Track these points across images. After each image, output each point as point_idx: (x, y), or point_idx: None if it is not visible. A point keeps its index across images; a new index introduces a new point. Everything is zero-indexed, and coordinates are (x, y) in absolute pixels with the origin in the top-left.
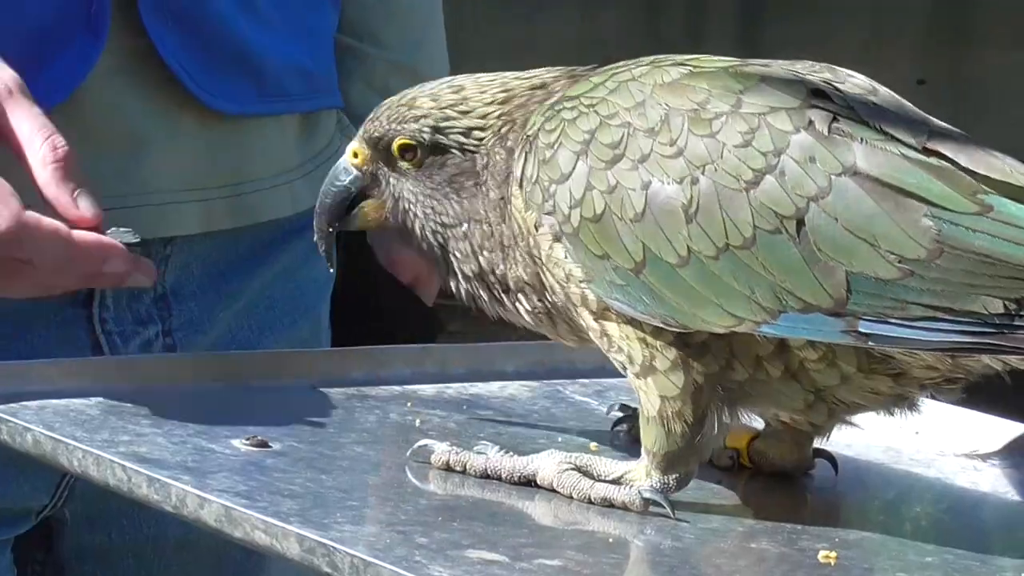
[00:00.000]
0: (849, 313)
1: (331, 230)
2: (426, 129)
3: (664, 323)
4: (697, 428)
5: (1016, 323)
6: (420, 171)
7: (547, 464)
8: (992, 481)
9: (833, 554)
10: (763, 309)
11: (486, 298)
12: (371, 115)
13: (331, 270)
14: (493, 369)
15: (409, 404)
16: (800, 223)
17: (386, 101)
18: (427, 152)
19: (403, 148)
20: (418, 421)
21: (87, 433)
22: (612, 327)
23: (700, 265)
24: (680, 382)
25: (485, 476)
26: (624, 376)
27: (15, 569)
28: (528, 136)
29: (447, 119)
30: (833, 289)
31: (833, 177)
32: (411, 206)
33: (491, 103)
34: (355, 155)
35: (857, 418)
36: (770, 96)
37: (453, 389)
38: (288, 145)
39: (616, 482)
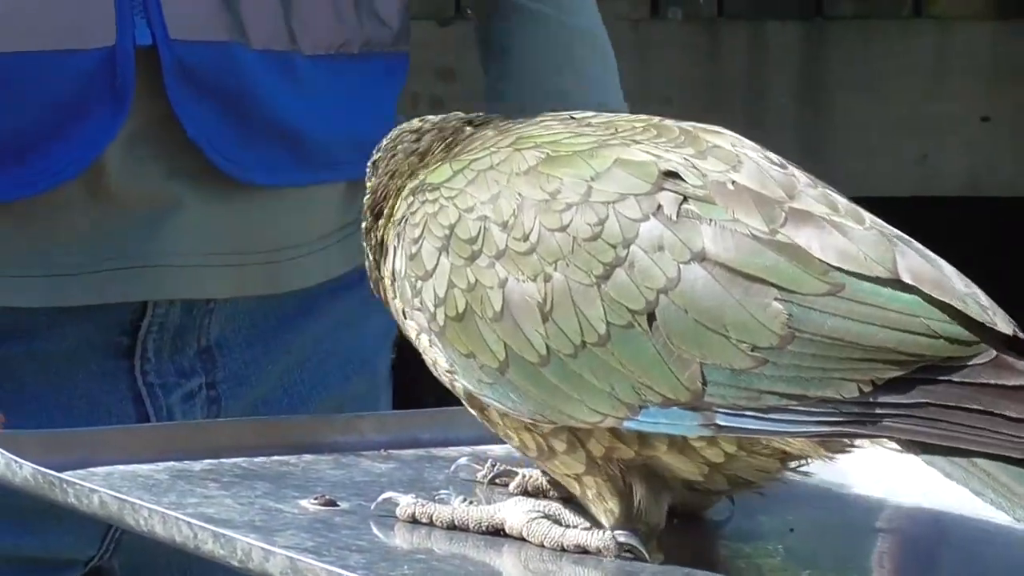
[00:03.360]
0: (706, 406)
1: None
2: None
3: (532, 419)
4: (626, 497)
5: (872, 409)
6: None
7: (515, 513)
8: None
9: None
10: (624, 405)
11: None
12: None
13: None
14: None
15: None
16: (652, 316)
17: None
18: None
19: None
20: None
21: (155, 496)
22: (493, 416)
23: (560, 363)
24: (583, 460)
25: (452, 527)
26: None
27: None
28: (393, 220)
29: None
30: (689, 382)
31: (682, 266)
32: None
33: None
34: None
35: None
36: (621, 182)
37: None
38: (330, 212)
39: (587, 529)
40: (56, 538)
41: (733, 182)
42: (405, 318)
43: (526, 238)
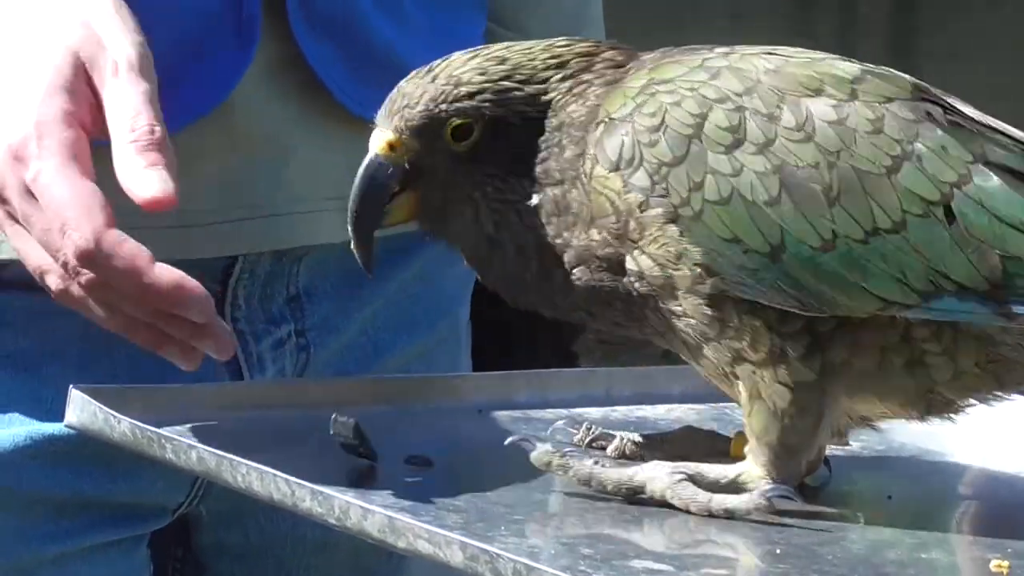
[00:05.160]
0: (1002, 297)
1: (374, 235)
2: (486, 104)
3: (800, 309)
4: (820, 419)
5: None
6: (478, 151)
7: (657, 475)
8: None
9: (1006, 563)
10: (915, 292)
11: (529, 276)
12: (397, 101)
13: (369, 276)
14: (659, 392)
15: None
16: (947, 208)
17: (408, 84)
18: (487, 129)
19: (458, 130)
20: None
21: (252, 453)
22: (730, 313)
23: (847, 248)
24: (816, 368)
25: (587, 484)
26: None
27: (151, 564)
28: (615, 119)
29: (507, 90)
30: (989, 272)
31: (969, 165)
32: (468, 191)
33: (547, 68)
34: (391, 147)
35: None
36: (881, 87)
37: (620, 412)
38: None
39: (734, 488)
40: (147, 484)
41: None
42: (641, 211)
43: (800, 128)
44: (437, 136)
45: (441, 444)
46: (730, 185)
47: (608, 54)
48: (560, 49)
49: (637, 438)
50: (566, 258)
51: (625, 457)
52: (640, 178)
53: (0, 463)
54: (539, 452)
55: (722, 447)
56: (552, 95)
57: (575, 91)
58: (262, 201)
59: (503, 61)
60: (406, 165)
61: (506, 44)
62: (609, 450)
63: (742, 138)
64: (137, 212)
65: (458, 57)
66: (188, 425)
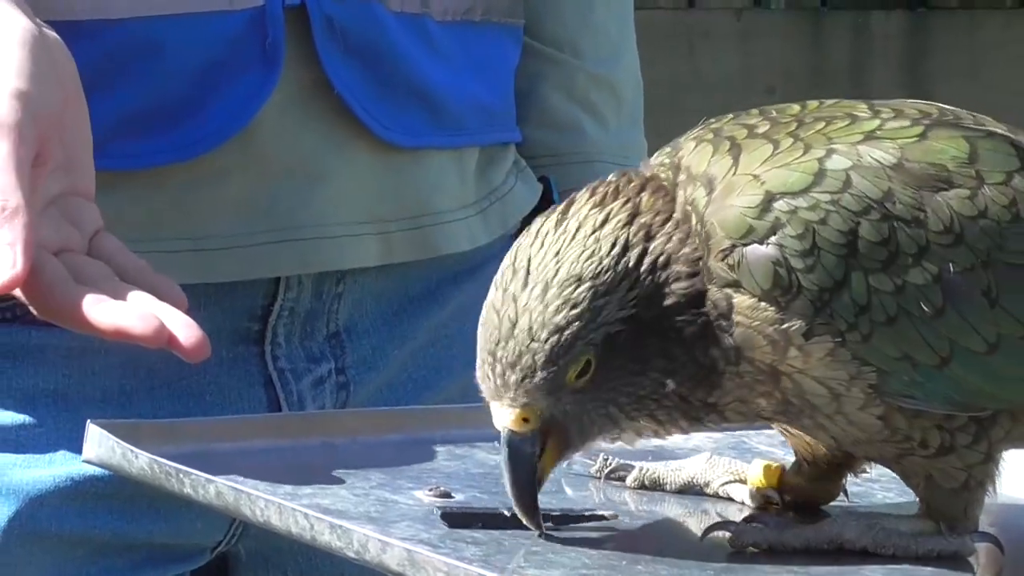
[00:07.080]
0: None
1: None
2: (592, 335)
3: (962, 411)
4: (994, 486)
5: None
6: (597, 375)
7: (851, 525)
8: None
9: None
10: None
11: (685, 424)
12: (508, 375)
13: (539, 534)
14: None
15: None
16: None
17: (503, 350)
18: (600, 352)
19: (580, 371)
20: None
21: (270, 486)
22: (900, 421)
23: (1009, 347)
24: (984, 448)
25: (806, 551)
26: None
27: None
28: (746, 242)
29: (601, 309)
30: None
31: None
32: (602, 412)
33: (608, 257)
34: (526, 420)
35: None
36: (995, 161)
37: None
38: (468, 179)
39: (921, 535)
40: (187, 524)
41: None
42: (805, 340)
43: (948, 230)
44: (562, 387)
45: (460, 475)
46: (895, 303)
47: (652, 210)
48: (618, 232)
49: (656, 467)
50: (722, 402)
51: (644, 488)
52: (802, 306)
53: (41, 504)
54: (739, 534)
55: (740, 474)
56: (636, 290)
57: (661, 273)
58: (285, 225)
59: (579, 279)
60: (540, 430)
61: (555, 251)
62: (628, 480)
63: (895, 251)
64: (152, 233)
65: (528, 299)
66: (209, 459)
